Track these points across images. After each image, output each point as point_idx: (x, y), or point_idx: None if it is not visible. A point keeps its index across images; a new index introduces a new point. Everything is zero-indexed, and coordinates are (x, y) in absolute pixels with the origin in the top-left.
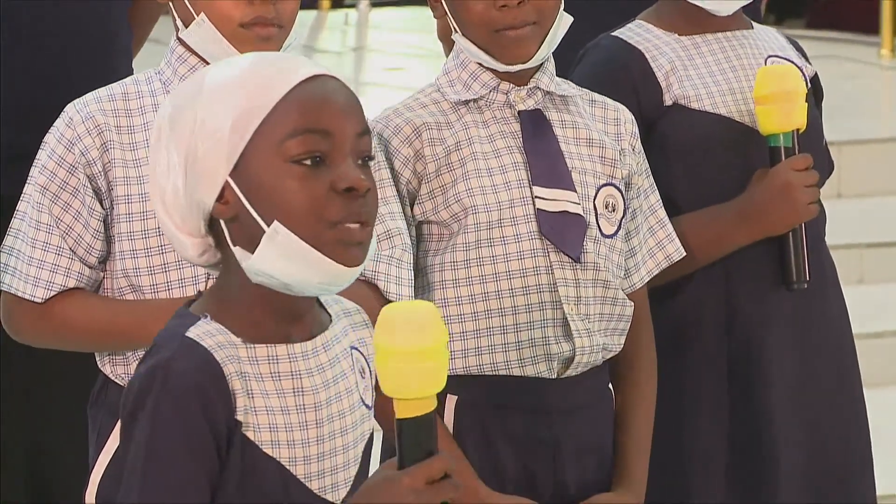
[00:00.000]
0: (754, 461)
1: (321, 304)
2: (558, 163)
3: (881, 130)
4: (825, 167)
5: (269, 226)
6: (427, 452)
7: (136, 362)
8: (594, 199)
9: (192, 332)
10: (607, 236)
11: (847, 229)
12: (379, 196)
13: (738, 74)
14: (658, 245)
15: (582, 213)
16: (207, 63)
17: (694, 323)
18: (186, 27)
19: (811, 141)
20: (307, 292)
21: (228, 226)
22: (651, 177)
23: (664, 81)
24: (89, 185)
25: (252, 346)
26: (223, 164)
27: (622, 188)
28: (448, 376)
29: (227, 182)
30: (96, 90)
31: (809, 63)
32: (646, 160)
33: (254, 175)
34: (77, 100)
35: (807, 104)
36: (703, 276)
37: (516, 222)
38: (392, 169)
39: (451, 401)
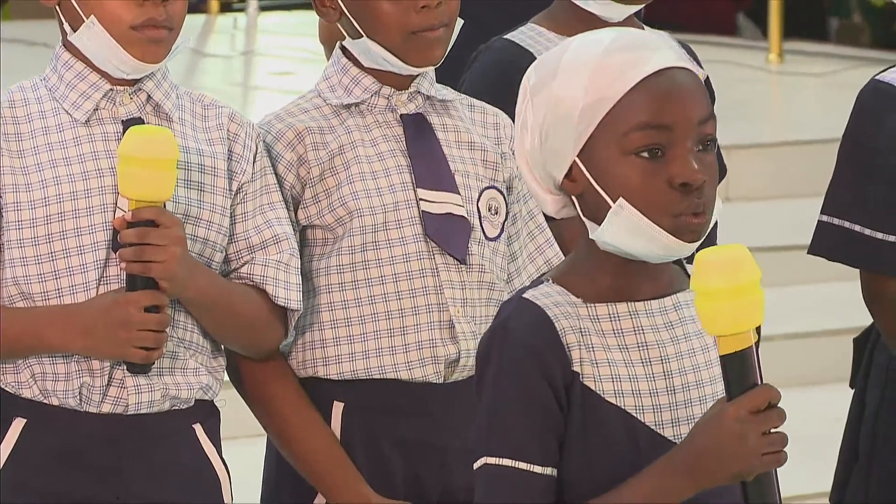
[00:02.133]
0: None
1: (682, 267)
2: (441, 166)
3: (769, 135)
4: (717, 170)
5: (614, 202)
6: (751, 384)
7: (27, 369)
8: (477, 202)
9: (530, 294)
10: (491, 239)
11: (735, 233)
12: (265, 201)
13: None
14: (538, 250)
15: (466, 215)
16: (95, 68)
17: None
18: (74, 31)
19: None
20: (652, 260)
21: (578, 199)
22: None
23: None
24: None
25: (592, 305)
26: (571, 146)
27: (504, 191)
28: (335, 381)
29: (574, 162)
30: None
31: (701, 67)
32: None
33: (599, 159)
34: None
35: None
36: None
37: (401, 225)
38: (275, 174)
39: (338, 407)
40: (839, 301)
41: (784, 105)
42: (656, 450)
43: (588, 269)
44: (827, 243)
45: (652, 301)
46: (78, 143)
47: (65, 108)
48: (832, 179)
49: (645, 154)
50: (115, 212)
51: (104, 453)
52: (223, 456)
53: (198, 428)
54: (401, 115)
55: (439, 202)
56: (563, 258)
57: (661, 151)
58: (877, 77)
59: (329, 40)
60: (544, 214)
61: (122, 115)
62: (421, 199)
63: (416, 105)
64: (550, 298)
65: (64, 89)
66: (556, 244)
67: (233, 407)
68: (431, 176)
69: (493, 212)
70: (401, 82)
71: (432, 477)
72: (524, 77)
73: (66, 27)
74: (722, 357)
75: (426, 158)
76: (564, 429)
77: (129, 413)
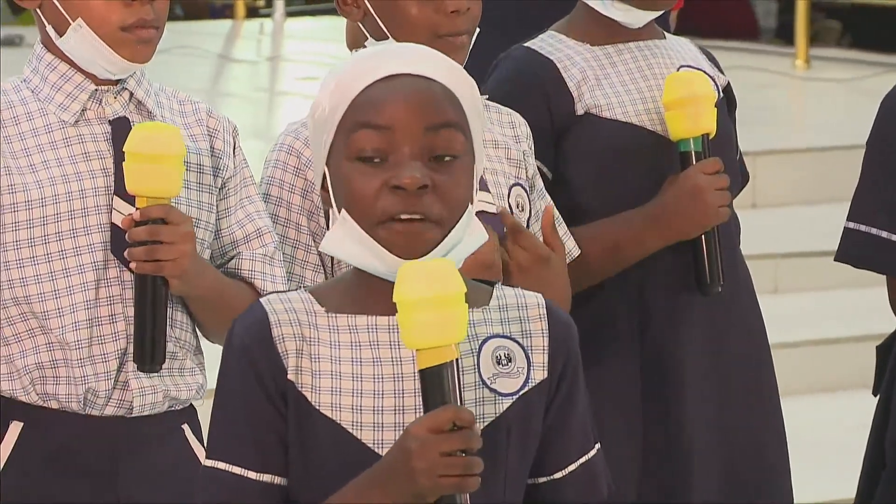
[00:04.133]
0: (668, 465)
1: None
2: None
3: (796, 141)
4: (739, 177)
5: (340, 212)
6: (441, 403)
7: (27, 375)
8: (507, 199)
9: (267, 297)
10: None
11: (762, 239)
12: (245, 195)
13: (651, 84)
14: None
15: (497, 212)
16: (80, 69)
17: (607, 329)
18: (59, 33)
19: (724, 149)
20: (378, 274)
21: (330, 212)
22: (540, 178)
23: (576, 91)
24: None
25: (333, 315)
26: (321, 156)
27: (528, 188)
28: None
29: (324, 171)
30: None
31: (722, 73)
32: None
33: (334, 167)
34: None
35: (716, 109)
36: (615, 283)
37: None
38: (306, 180)
39: None
40: (866, 307)
41: (810, 111)
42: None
43: (344, 280)
44: (853, 250)
45: (392, 316)
46: (68, 144)
47: (51, 110)
48: (858, 186)
49: (366, 158)
50: (110, 213)
51: (101, 456)
52: None
53: (185, 428)
54: None
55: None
56: (579, 251)
57: (382, 157)
58: None
59: (356, 45)
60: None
61: (109, 114)
62: None
63: None
64: (286, 304)
65: (48, 90)
66: (572, 238)
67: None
68: None
69: (520, 209)
70: None
71: None
72: None
73: (49, 29)
74: (420, 371)
75: None
76: (287, 434)
77: (131, 416)
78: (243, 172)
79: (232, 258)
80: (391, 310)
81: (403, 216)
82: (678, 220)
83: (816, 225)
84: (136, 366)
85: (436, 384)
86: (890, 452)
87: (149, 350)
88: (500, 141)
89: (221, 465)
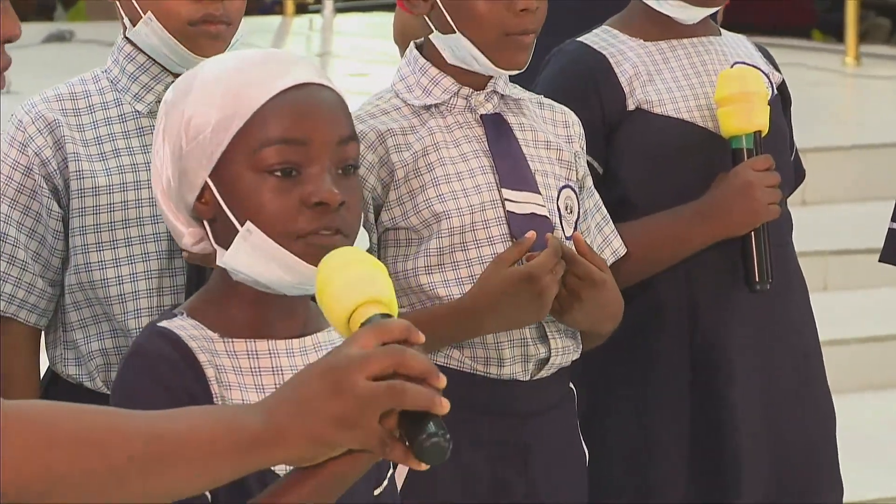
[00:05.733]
0: (716, 461)
1: None
2: (522, 165)
3: (846, 138)
4: (794, 174)
5: (243, 225)
6: None
7: (91, 361)
8: (557, 201)
9: (164, 324)
10: (568, 238)
11: (812, 237)
12: None
13: (703, 80)
14: (605, 241)
15: (548, 214)
16: (156, 61)
17: (656, 324)
18: (134, 26)
19: (778, 147)
20: (285, 291)
21: (210, 225)
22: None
23: (627, 86)
24: (45, 186)
25: (230, 340)
26: (203, 166)
27: (577, 190)
28: None
29: (206, 183)
30: (42, 91)
31: (778, 70)
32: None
33: (230, 179)
34: (24, 103)
35: (769, 107)
36: (665, 278)
37: (488, 225)
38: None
39: None
40: None
41: (860, 108)
42: None
43: (222, 302)
44: None
45: (294, 340)
46: (141, 134)
47: (127, 100)
48: None
49: (278, 173)
50: None
51: None
52: None
53: None
54: (480, 116)
55: (523, 202)
56: (625, 249)
57: (295, 170)
58: None
59: (403, 39)
60: None
61: None
62: (506, 199)
63: (493, 105)
64: (185, 332)
65: (126, 81)
66: (619, 237)
67: None
68: (514, 176)
69: (569, 211)
70: (479, 82)
71: (516, 477)
72: (163, 100)
73: (126, 21)
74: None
75: (508, 158)
76: None
77: None
78: None
79: None
80: (290, 332)
81: (323, 232)
82: (728, 217)
83: (866, 222)
84: None
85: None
86: None
87: None
88: (553, 142)
89: None
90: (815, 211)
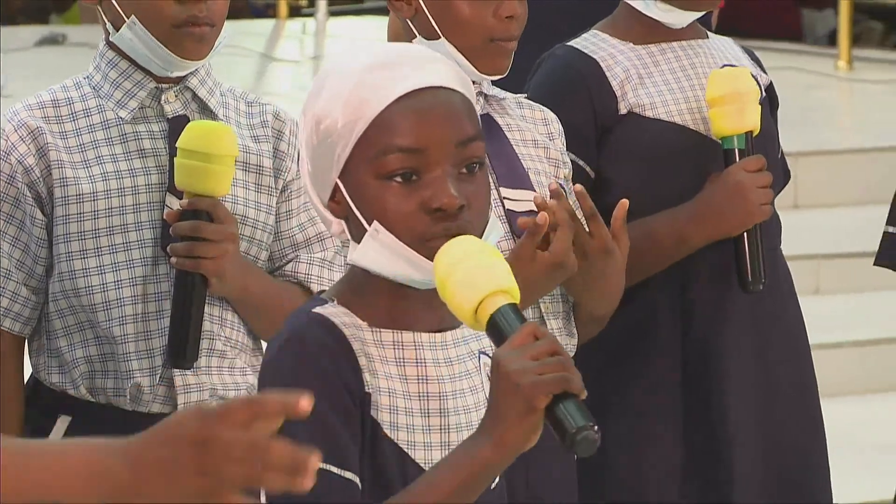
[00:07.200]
0: (709, 462)
1: None
2: (516, 164)
3: (838, 141)
4: (781, 176)
5: (370, 225)
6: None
7: (75, 369)
8: (549, 199)
9: (319, 310)
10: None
11: (804, 240)
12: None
13: (693, 83)
14: None
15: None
16: (139, 66)
17: (650, 325)
18: (116, 30)
19: (766, 148)
20: (416, 286)
21: (345, 222)
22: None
23: (619, 90)
24: (29, 194)
25: (378, 329)
26: (333, 167)
27: (566, 187)
28: None
29: (336, 183)
30: (24, 99)
31: (765, 72)
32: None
33: (356, 182)
34: (7, 110)
35: (760, 106)
36: (658, 279)
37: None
38: None
39: None
40: None
41: (853, 112)
42: None
43: (365, 291)
44: (892, 254)
45: (436, 334)
46: (125, 141)
47: (110, 106)
48: None
49: (398, 178)
50: (163, 210)
51: None
52: None
53: None
54: None
55: (520, 200)
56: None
57: (415, 175)
58: None
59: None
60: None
61: (168, 112)
62: (504, 198)
63: (479, 107)
64: (340, 319)
65: (109, 87)
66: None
67: None
68: (511, 175)
69: None
70: None
71: (516, 474)
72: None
73: (109, 26)
74: (487, 331)
75: (502, 158)
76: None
77: None
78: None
79: (290, 261)
80: (430, 325)
81: (445, 237)
82: (720, 218)
83: (858, 226)
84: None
85: (501, 329)
86: None
87: (182, 346)
88: (539, 140)
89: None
90: (808, 214)
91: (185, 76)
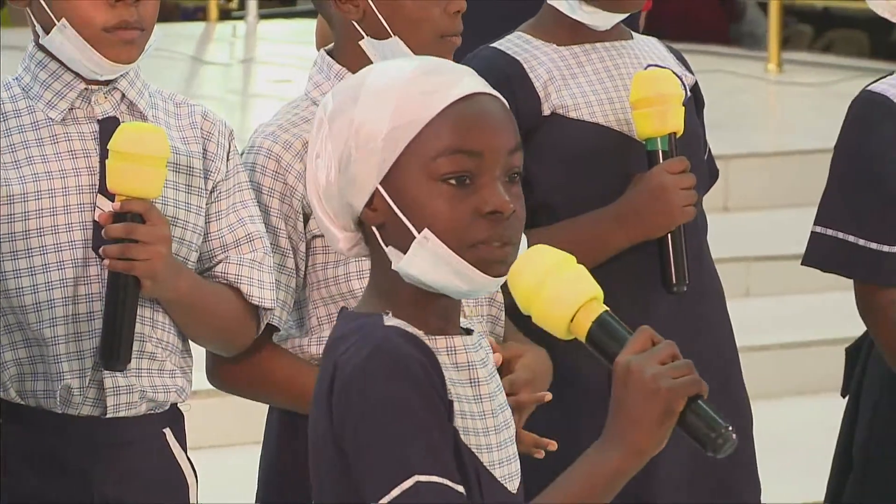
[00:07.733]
0: None
1: None
2: None
3: (768, 144)
4: (707, 176)
5: (419, 232)
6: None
7: (4, 371)
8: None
9: (392, 323)
10: None
11: (734, 242)
12: (238, 199)
13: (617, 84)
14: None
15: None
16: (69, 68)
17: None
18: (46, 32)
19: (691, 148)
20: (455, 296)
21: (378, 229)
22: None
23: (542, 91)
24: None
25: (433, 337)
26: (374, 174)
27: None
28: None
29: (376, 190)
30: None
31: (691, 72)
32: None
33: (403, 187)
34: None
35: (683, 108)
36: None
37: None
38: (286, 184)
39: None
40: (837, 311)
41: (782, 115)
42: (493, 493)
43: (412, 301)
44: (820, 254)
45: (467, 336)
46: (55, 142)
47: (40, 107)
48: (825, 190)
49: (452, 181)
50: (93, 211)
51: (78, 457)
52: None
53: (167, 432)
54: None
55: None
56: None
57: (469, 179)
58: (868, 87)
59: (324, 46)
60: None
61: (98, 114)
62: None
63: None
64: (411, 329)
65: (38, 88)
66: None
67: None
68: None
69: None
70: None
71: None
72: (321, 106)
73: (38, 28)
74: (587, 340)
75: None
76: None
77: (106, 416)
78: (238, 176)
79: (220, 262)
80: (458, 328)
81: (495, 244)
82: (643, 219)
83: (788, 228)
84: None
85: (606, 336)
86: (858, 454)
87: (114, 348)
88: None
89: (437, 480)
90: (738, 217)
91: (114, 78)
